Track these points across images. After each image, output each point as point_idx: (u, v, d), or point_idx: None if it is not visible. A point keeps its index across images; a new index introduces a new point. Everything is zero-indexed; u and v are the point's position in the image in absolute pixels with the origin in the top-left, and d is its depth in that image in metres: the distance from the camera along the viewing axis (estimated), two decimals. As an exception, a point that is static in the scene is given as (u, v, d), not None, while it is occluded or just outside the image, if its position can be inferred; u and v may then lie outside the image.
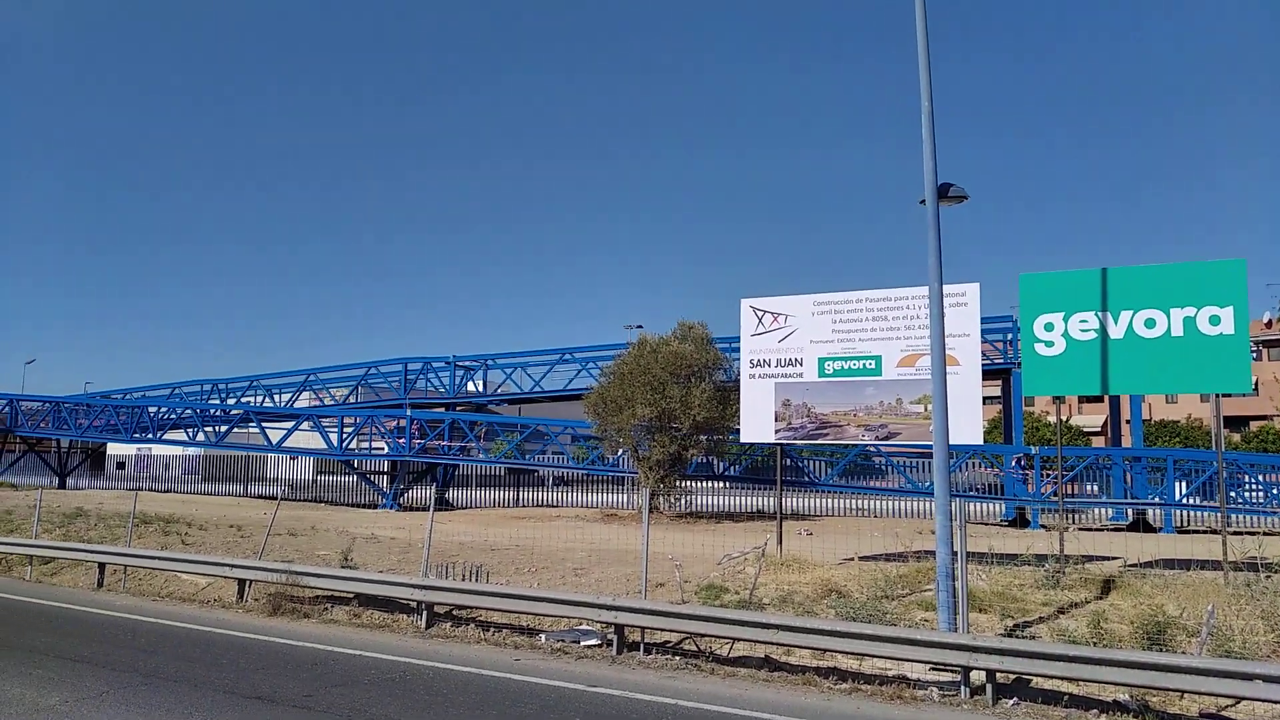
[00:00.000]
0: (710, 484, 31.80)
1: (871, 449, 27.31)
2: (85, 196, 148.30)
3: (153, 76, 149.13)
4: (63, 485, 45.26)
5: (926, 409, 13.95)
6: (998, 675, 9.23)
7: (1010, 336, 30.37)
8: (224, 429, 40.18)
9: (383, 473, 38.06)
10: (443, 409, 37.97)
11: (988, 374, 25.54)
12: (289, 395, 42.54)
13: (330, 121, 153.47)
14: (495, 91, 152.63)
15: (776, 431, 15.67)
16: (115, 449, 55.44)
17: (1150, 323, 13.50)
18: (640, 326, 42.66)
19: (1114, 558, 14.84)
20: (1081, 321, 13.87)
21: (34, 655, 10.44)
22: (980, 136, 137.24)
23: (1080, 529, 23.96)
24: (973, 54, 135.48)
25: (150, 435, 41.94)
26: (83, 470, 49.80)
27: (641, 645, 11.29)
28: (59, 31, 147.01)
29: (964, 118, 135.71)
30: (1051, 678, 9.09)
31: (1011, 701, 9.15)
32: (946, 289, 12.11)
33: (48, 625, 12.72)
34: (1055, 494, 24.18)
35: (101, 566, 16.76)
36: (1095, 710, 8.91)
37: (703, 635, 10.99)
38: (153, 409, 42.57)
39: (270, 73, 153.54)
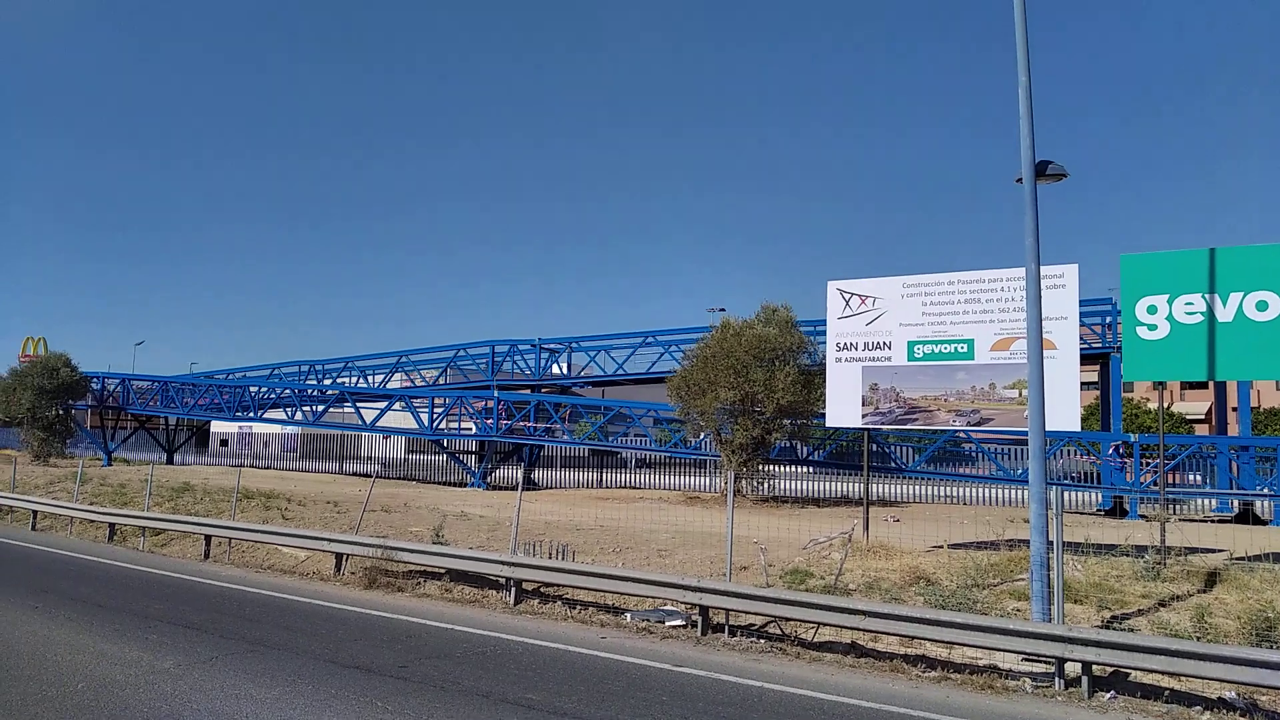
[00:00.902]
0: (794, 468, 31.56)
1: (962, 435, 26.70)
2: (192, 180, 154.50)
3: (263, 47, 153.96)
4: (170, 461, 47.45)
5: (1021, 394, 13.58)
6: (1094, 668, 8.99)
7: (1109, 320, 29.28)
8: (321, 409, 41.54)
9: (471, 452, 38.87)
10: (528, 391, 38.52)
11: (1085, 358, 24.65)
12: (382, 376, 43.69)
13: (412, 100, 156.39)
14: (581, 64, 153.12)
15: (864, 416, 15.46)
16: (218, 427, 57.92)
17: (1263, 305, 12.85)
18: (723, 309, 42.45)
19: (1219, 550, 14.27)
20: (1187, 304, 13.29)
21: (149, 621, 11.03)
22: (1079, 112, 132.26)
23: (1182, 520, 23.06)
24: (1071, 25, 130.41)
25: (251, 414, 43.61)
26: (188, 447, 52.11)
27: (726, 627, 11.32)
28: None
29: (1063, 92, 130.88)
30: (1152, 672, 8.80)
31: (1109, 695, 8.90)
32: (1044, 270, 11.75)
33: (160, 593, 13.40)
34: (1156, 483, 23.29)
35: (208, 539, 17.55)
36: (1199, 707, 8.60)
37: (788, 619, 10.97)
38: (253, 389, 44.23)
39: (353, 44, 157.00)
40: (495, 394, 35.75)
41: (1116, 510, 27.69)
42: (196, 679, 8.28)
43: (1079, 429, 14.56)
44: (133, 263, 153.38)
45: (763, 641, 11.02)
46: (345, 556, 15.32)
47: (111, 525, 19.81)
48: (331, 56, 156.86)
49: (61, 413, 42.63)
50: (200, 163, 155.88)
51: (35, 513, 22.05)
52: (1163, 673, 8.75)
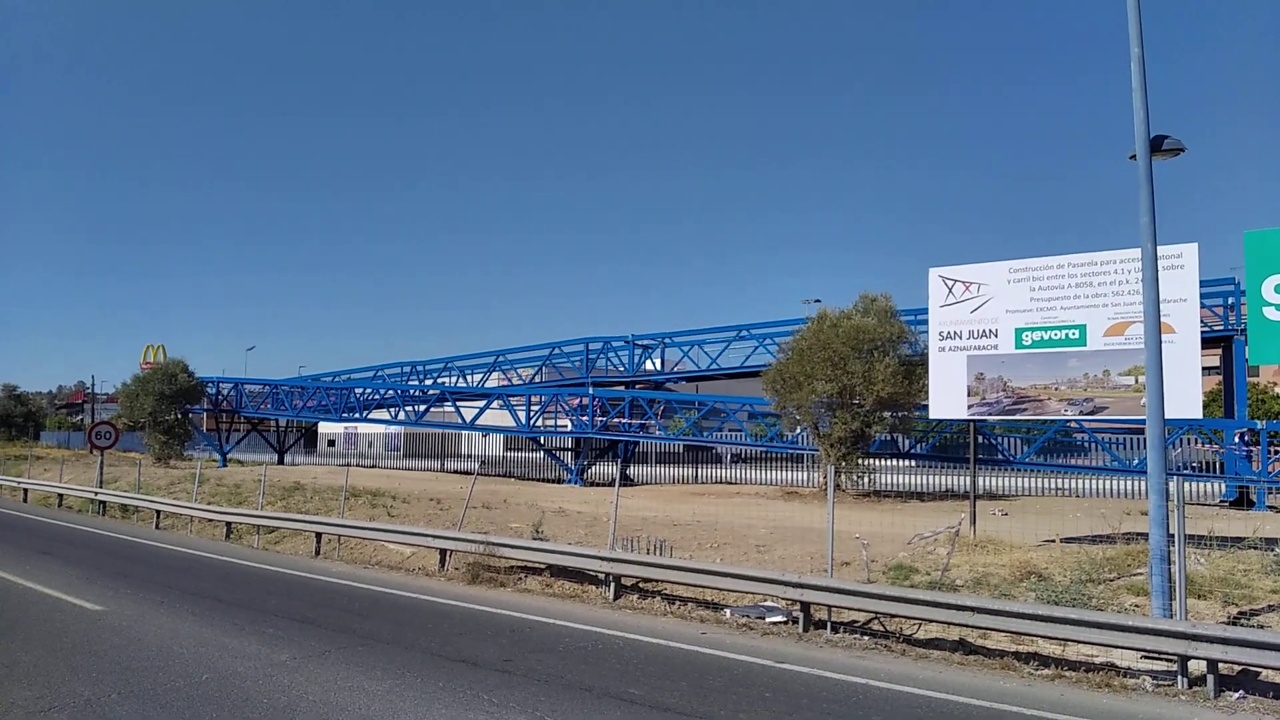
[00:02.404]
0: (895, 462, 30.88)
1: (1074, 424, 25.70)
2: (299, 199, 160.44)
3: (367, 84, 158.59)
4: (281, 461, 49.32)
5: (1138, 381, 12.96)
6: (1220, 666, 8.53)
7: (1232, 300, 27.72)
8: (422, 408, 42.60)
9: (567, 449, 39.30)
10: (622, 387, 38.71)
11: (1206, 342, 23.41)
12: (480, 375, 44.54)
13: (511, 121, 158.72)
14: (669, 40, 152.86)
15: (970, 407, 14.98)
16: (326, 427, 59.88)
17: (1405, 281, 11.97)
18: (818, 300, 41.82)
19: (1360, 543, 13.35)
20: (1319, 282, 12.45)
21: (265, 615, 11.46)
22: (1193, 83, 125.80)
23: (1316, 511, 21.73)
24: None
25: (357, 414, 45.02)
26: (298, 447, 54.10)
27: (828, 624, 11.13)
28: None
29: (1179, 61, 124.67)
30: (1286, 672, 8.30)
31: (1237, 695, 8.43)
32: (1161, 250, 11.17)
33: (275, 588, 13.92)
34: (1286, 473, 21.96)
35: (318, 536, 18.16)
36: (1342, 710, 8.07)
37: (892, 616, 10.72)
38: (359, 390, 45.66)
39: (447, 74, 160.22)
40: (590, 391, 36.03)
41: (1242, 501, 26.22)
42: (311, 671, 8.55)
43: (1200, 416, 13.83)
44: (246, 273, 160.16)
45: (866, 638, 10.79)
46: (449, 552, 15.63)
47: (228, 524, 20.70)
48: (400, 26, 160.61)
49: (180, 416, 44.75)
50: (306, 188, 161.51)
51: (159, 512, 23.20)
52: (1299, 673, 8.23)
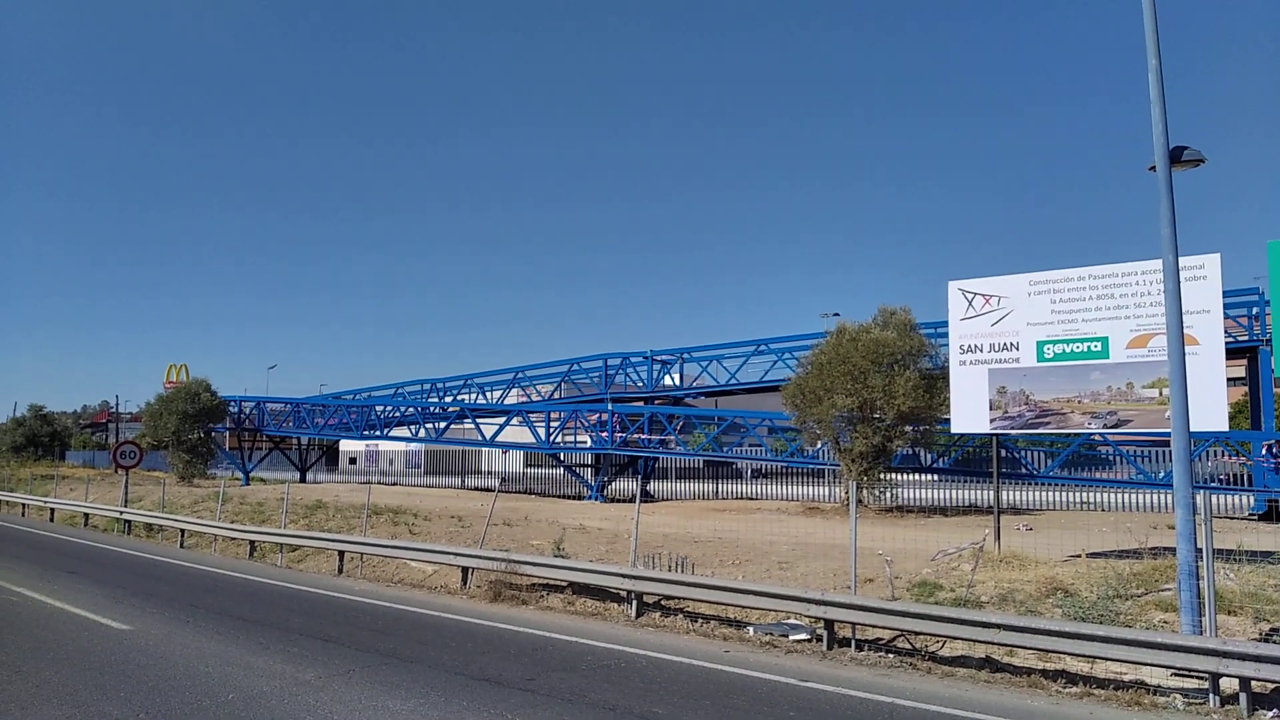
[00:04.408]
0: (917, 477, 30.68)
1: (1098, 438, 25.47)
2: (319, 221, 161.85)
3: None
4: (303, 479, 49.61)
5: (1162, 393, 12.84)
6: (1253, 683, 8.40)
7: (1256, 311, 27.43)
8: (442, 425, 42.76)
9: (587, 465, 39.31)
10: (641, 403, 38.71)
11: (1231, 353, 23.15)
12: (499, 392, 44.68)
13: (534, 142, 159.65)
14: (684, 53, 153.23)
15: (991, 421, 14.89)
16: (347, 445, 60.29)
17: None
18: (837, 314, 41.73)
19: (1393, 557, 13.14)
20: (1345, 291, 12.34)
21: (290, 634, 11.51)
22: (1213, 91, 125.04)
23: (1348, 524, 21.39)
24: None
25: (378, 432, 45.21)
26: (320, 465, 54.41)
27: (852, 641, 11.06)
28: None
29: (1200, 71, 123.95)
30: (1321, 689, 8.17)
31: (1271, 713, 8.31)
32: (1183, 261, 11.09)
33: (299, 607, 13.98)
34: (1315, 485, 21.65)
35: (341, 554, 18.23)
36: (1378, 728, 7.94)
37: (917, 633, 10.64)
38: (379, 408, 45.88)
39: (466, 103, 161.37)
40: (609, 407, 36.05)
41: (1272, 514, 25.84)
42: (336, 690, 8.58)
43: (1226, 428, 13.67)
44: (269, 292, 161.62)
45: (891, 656, 10.72)
46: (471, 570, 15.65)
47: (251, 542, 20.82)
48: (440, 46, 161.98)
49: (203, 435, 45.12)
50: (329, 209, 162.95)
51: (183, 531, 23.38)
52: (1335, 690, 8.10)
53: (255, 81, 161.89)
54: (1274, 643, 9.23)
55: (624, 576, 13.25)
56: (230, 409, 48.25)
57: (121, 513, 26.73)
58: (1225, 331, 16.45)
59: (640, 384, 40.10)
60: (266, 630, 11.75)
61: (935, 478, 31.01)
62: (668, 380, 40.54)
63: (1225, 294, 14.00)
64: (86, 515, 28.96)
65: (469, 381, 45.92)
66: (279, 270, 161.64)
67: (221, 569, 18.70)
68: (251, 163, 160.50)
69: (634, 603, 13.16)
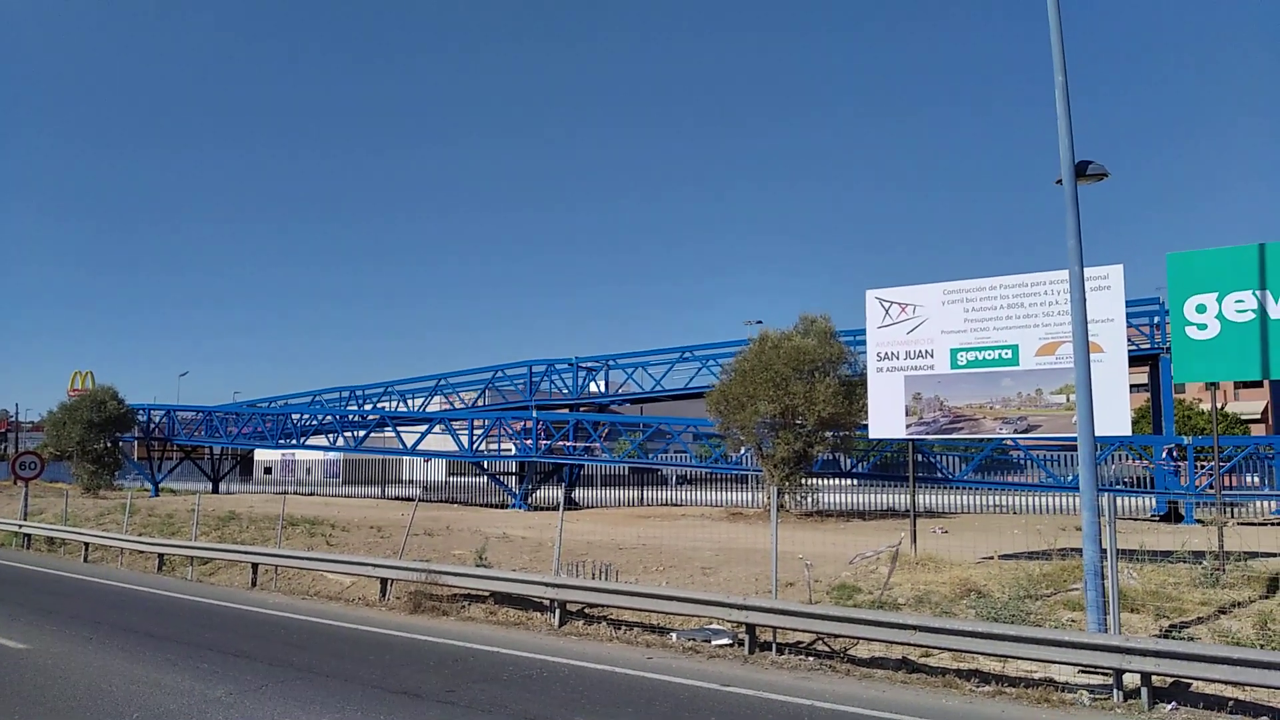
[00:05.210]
0: (837, 481, 31.20)
1: (1009, 443, 26.24)
2: (231, 220, 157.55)
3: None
4: (216, 490, 48.04)
5: (1069, 399, 13.31)
6: (1153, 678, 8.74)
7: (1157, 320, 28.68)
8: (362, 434, 41.87)
9: (511, 473, 38.96)
10: (567, 410, 38.57)
11: (1134, 360, 24.13)
12: (421, 400, 43.98)
13: (438, 106, 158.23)
14: (605, 60, 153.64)
15: (908, 426, 15.23)
16: (262, 455, 58.61)
17: (1317, 300, 12.50)
18: (760, 322, 42.31)
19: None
20: (1238, 301, 12.95)
21: (200, 650, 11.12)
22: (1121, 99, 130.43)
23: (1240, 524, 22.46)
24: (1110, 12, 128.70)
25: (294, 441, 44.09)
26: (233, 475, 52.76)
27: (774, 645, 11.17)
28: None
29: (1101, 82, 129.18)
30: (1214, 681, 8.53)
31: (1170, 706, 8.64)
32: (1088, 272, 11.50)
33: (209, 622, 13.53)
34: (1211, 486, 22.68)
35: (255, 566, 17.71)
36: (1266, 717, 8.32)
37: (836, 636, 10.79)
38: (296, 416, 44.74)
39: (357, 46, 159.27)
40: (534, 414, 35.82)
41: (1171, 515, 27.02)
42: (248, 708, 8.31)
43: (1130, 433, 14.24)
44: (176, 299, 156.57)
45: (811, 659, 10.85)
46: (390, 581, 15.36)
47: (160, 555, 20.07)
48: (347, 61, 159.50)
49: (110, 445, 43.34)
50: (240, 218, 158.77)
51: (87, 545, 22.42)
52: (1226, 682, 8.46)
53: (163, 91, 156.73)
54: (1173, 639, 9.60)
55: (547, 585, 13.15)
56: (139, 418, 46.49)
57: (21, 526, 25.51)
58: (1129, 340, 17.13)
59: (565, 391, 39.95)
60: (175, 646, 11.34)
61: (855, 482, 31.60)
62: (593, 387, 40.47)
63: (1128, 304, 14.60)
64: (-18, 530, 27.55)
65: (390, 389, 45.11)
66: (193, 278, 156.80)
67: (128, 583, 17.99)
68: (152, 169, 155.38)
69: (557, 611, 13.07)
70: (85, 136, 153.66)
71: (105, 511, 28.73)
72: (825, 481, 30.01)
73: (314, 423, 44.27)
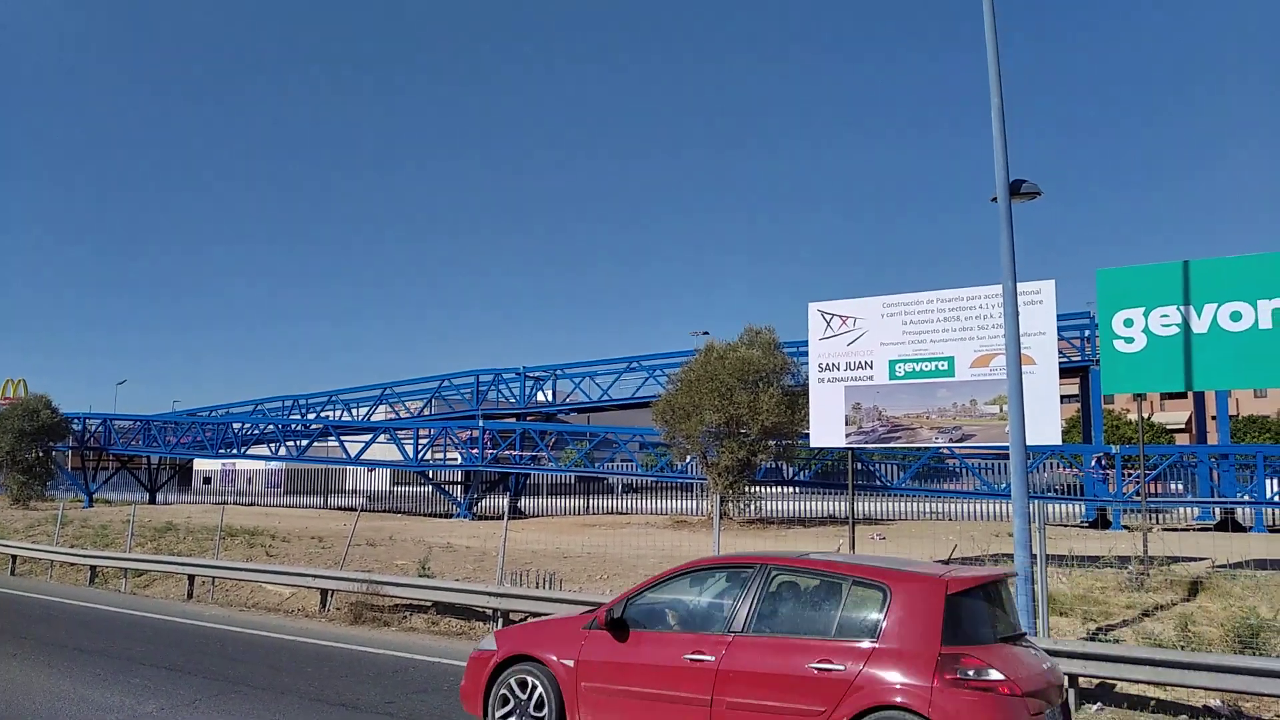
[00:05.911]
0: (780, 489, 31.56)
1: (945, 451, 26.82)
2: (170, 211, 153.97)
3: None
4: (153, 501, 46.91)
5: (1002, 410, 13.67)
6: (1080, 680, 9.01)
7: (1088, 333, 29.54)
8: (304, 443, 41.26)
9: (457, 483, 38.68)
10: (514, 419, 38.44)
11: (1065, 372, 24.88)
12: (366, 409, 43.48)
13: (399, 122, 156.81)
14: (549, 85, 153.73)
15: (847, 435, 15.52)
16: (201, 465, 57.44)
17: (1236, 315, 13.01)
18: (706, 333, 42.53)
19: (1201, 558, 14.35)
20: (1163, 316, 13.43)
21: (130, 664, 10.88)
22: (1054, 125, 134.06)
23: (1165, 529, 23.21)
24: (1045, 37, 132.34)
25: (235, 451, 43.27)
26: (171, 486, 51.59)
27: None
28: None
29: (1036, 104, 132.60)
30: (1137, 682, 8.85)
31: (1095, 707, 8.92)
32: (1021, 287, 11.87)
33: (142, 635, 13.23)
34: (1138, 494, 23.43)
35: (191, 578, 17.37)
36: (1185, 716, 8.65)
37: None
38: (236, 425, 43.92)
39: (323, 62, 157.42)
40: (480, 423, 35.65)
41: (1100, 522, 27.83)
42: (179, 722, 8.17)
43: (1060, 442, 14.67)
44: (113, 304, 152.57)
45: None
46: (330, 592, 15.19)
47: (93, 568, 19.57)
48: (310, 77, 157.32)
49: (42, 455, 42.10)
50: (179, 192, 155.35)
51: (14, 557, 21.76)
52: (1149, 683, 8.78)
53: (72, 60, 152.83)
54: (1099, 641, 9.93)
55: (490, 594, 13.12)
56: (74, 427, 45.24)
57: (-57, 539, 24.66)
58: (1059, 352, 17.64)
59: (513, 400, 39.82)
60: (105, 661, 11.08)
61: (796, 490, 32.00)
62: (540, 396, 40.41)
63: (1059, 318, 15.04)
64: (-98, 542, 26.55)
65: (334, 398, 44.51)
66: (131, 286, 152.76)
67: (57, 597, 17.50)
68: (89, 181, 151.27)
69: (500, 621, 13.03)
70: (39, 152, 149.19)
71: (35, 523, 27.90)
72: (768, 489, 30.34)
73: (256, 432, 43.52)
